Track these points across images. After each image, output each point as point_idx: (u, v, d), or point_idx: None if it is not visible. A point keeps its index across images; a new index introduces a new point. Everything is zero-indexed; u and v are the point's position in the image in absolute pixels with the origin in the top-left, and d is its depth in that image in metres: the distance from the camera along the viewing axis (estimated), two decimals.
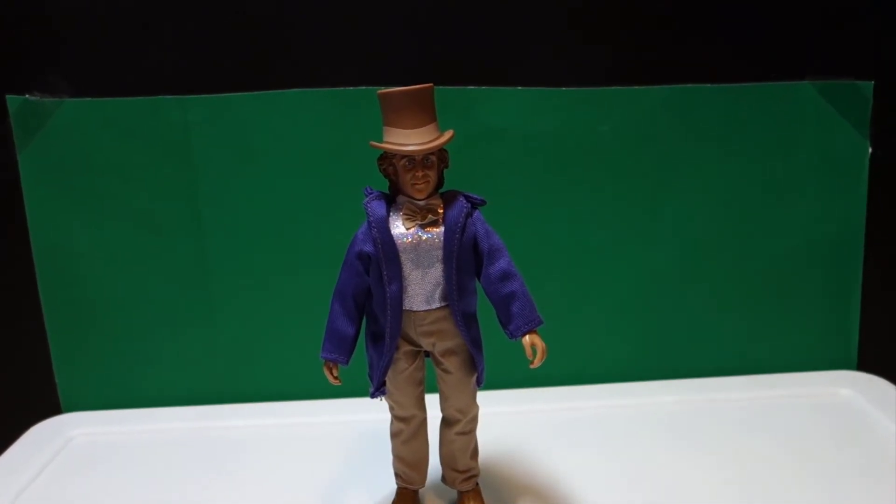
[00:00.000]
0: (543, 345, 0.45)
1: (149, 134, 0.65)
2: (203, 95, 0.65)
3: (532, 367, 0.45)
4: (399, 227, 0.44)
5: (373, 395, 0.47)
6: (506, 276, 0.45)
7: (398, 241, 0.44)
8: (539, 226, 0.69)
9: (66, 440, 0.64)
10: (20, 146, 0.65)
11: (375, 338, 0.47)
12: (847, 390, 0.68)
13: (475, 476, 0.51)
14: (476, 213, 0.45)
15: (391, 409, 0.49)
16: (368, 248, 0.44)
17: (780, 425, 0.62)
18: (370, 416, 0.57)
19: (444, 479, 0.51)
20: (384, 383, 0.47)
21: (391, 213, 0.45)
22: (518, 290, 0.45)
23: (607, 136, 0.67)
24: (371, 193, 0.45)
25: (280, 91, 0.65)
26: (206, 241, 0.68)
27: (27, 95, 0.64)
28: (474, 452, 0.50)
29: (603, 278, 0.71)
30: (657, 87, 0.67)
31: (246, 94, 0.65)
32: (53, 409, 0.70)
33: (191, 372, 0.71)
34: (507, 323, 0.46)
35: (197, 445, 0.62)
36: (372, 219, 0.44)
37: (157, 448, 0.62)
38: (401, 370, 0.47)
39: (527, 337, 0.45)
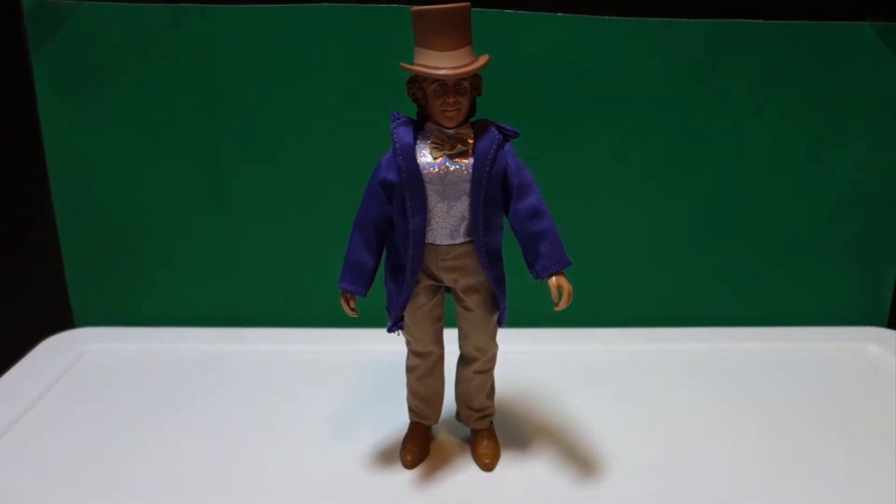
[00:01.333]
0: (570, 287, 0.43)
1: (168, 43, 0.63)
2: (226, 6, 0.62)
3: (557, 309, 0.43)
4: (426, 156, 0.42)
5: (390, 330, 0.46)
6: (535, 213, 0.43)
7: (424, 171, 0.42)
8: (571, 162, 0.66)
9: (80, 354, 0.64)
10: (34, 49, 0.62)
11: (395, 271, 0.45)
12: (875, 347, 0.67)
13: (490, 415, 0.50)
14: (508, 146, 0.43)
15: (408, 343, 0.47)
16: (392, 176, 0.42)
17: (804, 378, 0.61)
18: (386, 346, 0.57)
19: (458, 416, 0.50)
20: (402, 318, 0.45)
21: (418, 141, 0.42)
22: (548, 228, 0.43)
23: (651, 70, 0.64)
24: (398, 119, 0.43)
25: (307, 5, 0.62)
26: (224, 158, 0.66)
27: None
28: (491, 391, 0.49)
29: (634, 220, 0.68)
30: (706, 21, 0.63)
31: (271, 6, 0.62)
32: (67, 323, 0.70)
33: (206, 292, 0.70)
34: (533, 262, 0.43)
35: (210, 367, 0.62)
36: (398, 146, 0.42)
37: (169, 367, 0.62)
38: (420, 305, 0.45)
39: (553, 278, 0.43)
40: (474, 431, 0.50)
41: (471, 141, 0.42)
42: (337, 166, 0.65)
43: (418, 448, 0.49)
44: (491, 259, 0.44)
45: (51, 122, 0.65)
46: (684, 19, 0.63)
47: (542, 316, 0.63)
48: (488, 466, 0.48)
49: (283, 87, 0.64)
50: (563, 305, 0.43)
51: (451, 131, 0.42)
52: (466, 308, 0.45)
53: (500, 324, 0.47)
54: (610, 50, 0.63)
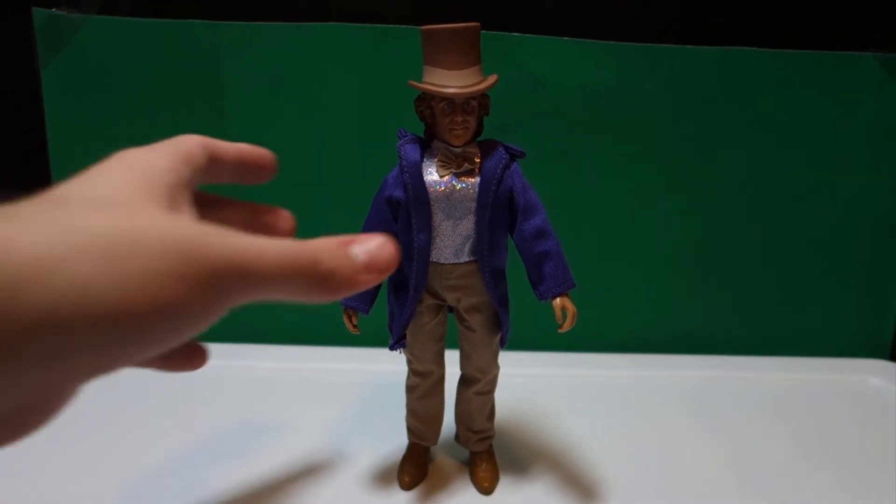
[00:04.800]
0: (574, 309, 0.43)
1: (177, 58, 0.63)
2: (235, 22, 0.62)
3: (560, 331, 0.43)
4: (433, 174, 0.42)
5: (392, 348, 0.45)
6: (541, 233, 0.43)
7: (430, 189, 0.42)
8: (573, 182, 0.66)
9: None
10: (44, 62, 0.63)
11: (399, 288, 0.45)
12: (878, 380, 0.66)
13: (490, 437, 0.49)
14: (514, 166, 0.43)
15: (409, 362, 0.47)
16: (399, 193, 0.42)
17: (805, 409, 0.60)
18: (387, 366, 0.56)
19: (457, 437, 0.50)
20: (404, 336, 0.45)
21: (425, 159, 0.42)
22: (553, 249, 0.43)
23: (653, 94, 0.64)
24: (405, 136, 0.43)
25: (316, 24, 0.62)
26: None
27: (54, 9, 0.62)
28: (491, 413, 0.49)
29: (636, 247, 0.68)
30: (709, 48, 0.63)
31: (280, 23, 0.62)
32: None
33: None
34: (538, 283, 0.43)
35: (211, 383, 0.61)
36: (405, 163, 0.42)
37: (169, 383, 0.61)
38: (423, 324, 0.45)
39: (558, 300, 0.43)
40: (473, 454, 0.49)
41: (477, 160, 0.42)
42: (343, 182, 0.65)
43: (416, 469, 0.48)
44: (495, 278, 0.44)
45: (57, 134, 0.65)
46: (686, 46, 0.63)
47: (543, 340, 0.63)
48: (487, 490, 0.47)
49: (290, 103, 0.64)
50: (567, 327, 0.43)
51: (458, 150, 0.42)
52: (469, 328, 0.45)
53: (502, 344, 0.46)
54: (612, 73, 0.64)
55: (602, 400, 0.61)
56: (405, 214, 0.42)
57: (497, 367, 0.47)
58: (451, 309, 0.46)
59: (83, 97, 0.63)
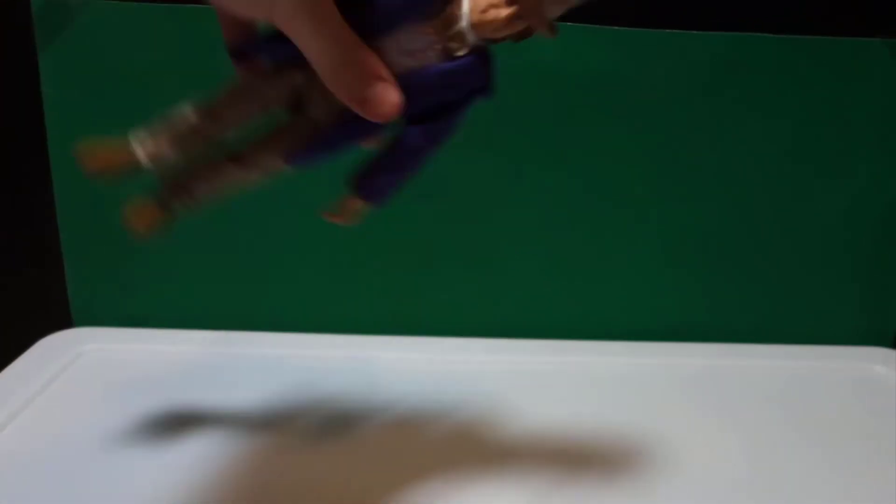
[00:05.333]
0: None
1: (178, 45, 0.62)
2: None
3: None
4: None
5: None
6: None
7: None
8: (577, 170, 0.66)
9: (77, 354, 0.63)
10: (41, 46, 0.62)
11: None
12: (881, 367, 0.66)
13: None
14: None
15: None
16: None
17: (808, 398, 0.60)
18: (390, 354, 0.56)
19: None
20: None
21: None
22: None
23: (658, 81, 0.64)
24: None
25: None
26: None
27: None
28: None
29: (637, 233, 0.68)
30: (715, 34, 0.63)
31: None
32: (65, 322, 0.69)
33: (206, 294, 0.69)
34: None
35: (208, 370, 0.61)
36: None
37: (167, 369, 0.61)
38: None
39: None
40: None
41: None
42: (336, 172, 0.64)
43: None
44: None
45: (55, 121, 0.64)
46: (693, 31, 0.63)
47: (540, 327, 0.63)
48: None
49: None
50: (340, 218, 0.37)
51: None
52: None
53: None
54: (616, 59, 0.63)
55: (601, 388, 0.61)
56: None
57: None
58: None
59: (81, 82, 0.63)
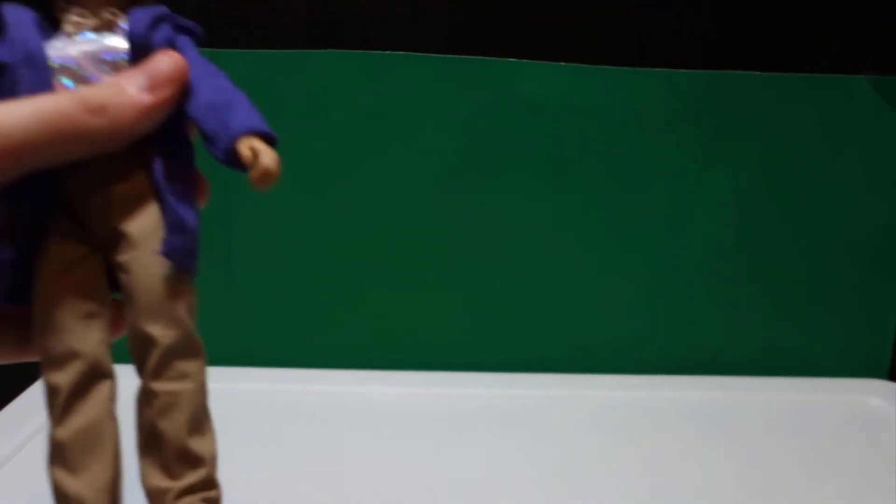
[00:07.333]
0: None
1: None
2: (233, 50, 0.63)
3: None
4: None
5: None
6: None
7: None
8: (569, 205, 0.66)
9: None
10: None
11: None
12: (877, 400, 0.66)
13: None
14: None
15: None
16: None
17: (803, 430, 0.60)
18: (383, 389, 0.56)
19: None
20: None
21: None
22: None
23: (645, 118, 0.65)
24: None
25: (313, 51, 0.63)
26: (229, 200, 0.66)
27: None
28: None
29: (630, 267, 0.69)
30: (700, 72, 0.64)
31: (278, 51, 0.63)
32: None
33: (203, 331, 0.69)
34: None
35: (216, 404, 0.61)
36: None
37: None
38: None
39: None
40: None
41: None
42: (339, 207, 0.65)
43: None
44: None
45: None
46: (677, 70, 0.64)
47: (536, 361, 0.63)
48: None
49: (288, 130, 0.64)
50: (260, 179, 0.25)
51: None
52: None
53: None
54: (604, 97, 0.64)
55: (598, 421, 0.61)
56: None
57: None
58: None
59: None
